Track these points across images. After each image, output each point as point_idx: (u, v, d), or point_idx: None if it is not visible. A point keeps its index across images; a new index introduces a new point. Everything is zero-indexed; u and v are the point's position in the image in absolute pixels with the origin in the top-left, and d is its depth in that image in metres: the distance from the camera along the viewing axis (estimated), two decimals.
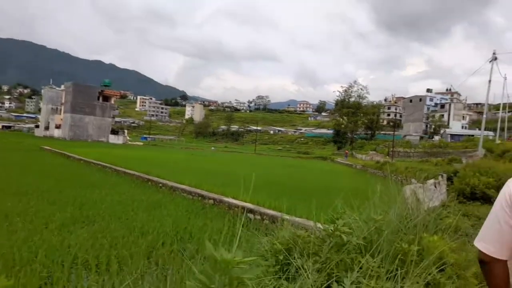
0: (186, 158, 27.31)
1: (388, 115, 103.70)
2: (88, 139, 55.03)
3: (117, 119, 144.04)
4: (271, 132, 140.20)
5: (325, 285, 2.01)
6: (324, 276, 2.09)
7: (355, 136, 72.60)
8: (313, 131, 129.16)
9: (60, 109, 58.60)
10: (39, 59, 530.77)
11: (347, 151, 57.28)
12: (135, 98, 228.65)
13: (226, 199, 10.13)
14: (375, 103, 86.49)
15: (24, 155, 20.94)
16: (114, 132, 60.29)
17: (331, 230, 2.37)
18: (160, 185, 12.65)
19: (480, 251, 1.42)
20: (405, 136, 75.23)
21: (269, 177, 16.58)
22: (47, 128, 61.63)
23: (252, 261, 1.27)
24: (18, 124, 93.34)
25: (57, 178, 12.79)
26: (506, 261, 1.40)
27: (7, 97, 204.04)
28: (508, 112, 61.65)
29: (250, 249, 3.33)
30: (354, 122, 67.13)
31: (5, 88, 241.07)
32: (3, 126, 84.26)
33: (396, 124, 76.75)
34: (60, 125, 57.04)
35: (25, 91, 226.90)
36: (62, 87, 61.75)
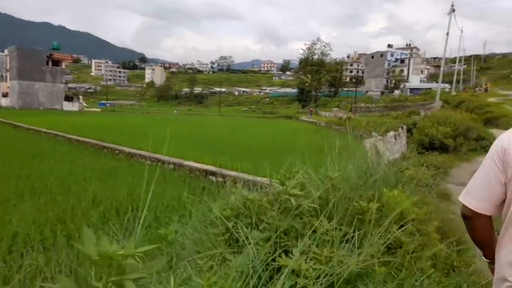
0: (146, 123, 26.28)
1: (351, 71, 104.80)
2: (40, 107, 51.58)
3: (71, 85, 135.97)
4: (236, 93, 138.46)
5: (271, 257, 1.73)
6: (270, 246, 1.81)
7: (319, 94, 73.00)
8: (278, 90, 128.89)
9: (6, 76, 54.07)
10: None
11: (311, 109, 57.64)
12: (89, 62, 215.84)
13: (186, 162, 9.72)
14: (338, 60, 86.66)
15: None
16: (68, 98, 56.76)
17: (281, 192, 2.07)
18: (117, 151, 11.98)
19: (464, 205, 1.39)
20: (367, 92, 76.76)
21: (232, 139, 16.26)
22: None
23: (150, 251, 0.93)
24: None
25: (0, 149, 11.76)
26: (490, 216, 1.37)
27: None
28: (464, 64, 64.01)
29: (202, 216, 3.04)
30: (318, 80, 67.12)
31: None
32: None
33: (358, 81, 77.88)
34: (7, 93, 52.87)
35: None
36: (6, 51, 56.61)
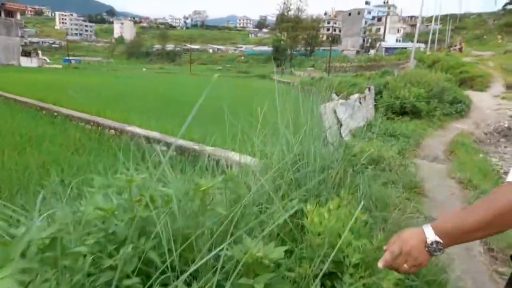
0: (106, 82, 24.39)
1: (328, 30, 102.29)
2: None
3: (34, 39, 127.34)
4: (210, 51, 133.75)
5: None
6: None
7: (294, 52, 71.10)
8: (254, 48, 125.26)
9: None
10: None
11: (283, 68, 56.07)
12: (53, 14, 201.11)
13: (129, 128, 8.48)
14: (314, 17, 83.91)
15: None
16: (26, 54, 52.47)
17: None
18: (55, 113, 10.57)
19: None
20: (342, 51, 75.37)
21: (192, 100, 14.96)
22: None
23: None
24: None
25: None
26: None
27: None
28: (440, 24, 63.26)
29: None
30: (294, 37, 65.03)
31: None
32: None
33: (334, 39, 76.15)
34: None
35: None
36: None
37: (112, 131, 8.74)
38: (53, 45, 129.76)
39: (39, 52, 60.47)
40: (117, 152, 6.34)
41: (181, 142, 7.33)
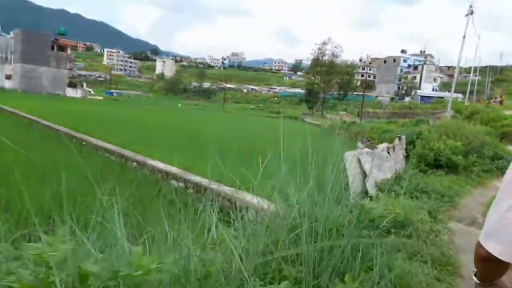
0: (139, 115, 25.19)
1: (362, 75, 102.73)
2: (42, 91, 50.82)
3: (82, 72, 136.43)
4: (245, 90, 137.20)
5: None
6: None
7: (327, 96, 71.36)
8: (287, 90, 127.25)
9: (11, 59, 53.43)
10: None
11: (313, 110, 56.13)
12: (102, 51, 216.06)
13: (150, 162, 8.44)
14: (349, 63, 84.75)
15: None
16: (72, 85, 56.00)
17: None
18: (84, 143, 10.80)
19: (487, 252, 1.06)
20: (376, 97, 74.90)
21: (219, 136, 14.98)
22: None
23: None
24: None
25: None
26: None
27: None
28: (479, 75, 61.87)
29: None
30: (327, 81, 65.52)
31: None
32: None
33: (368, 85, 76.13)
34: (11, 75, 52.24)
35: None
36: (12, 34, 55.99)
37: (135, 164, 8.73)
38: (99, 79, 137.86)
39: (84, 84, 64.38)
40: (144, 184, 6.10)
41: (198, 179, 7.13)
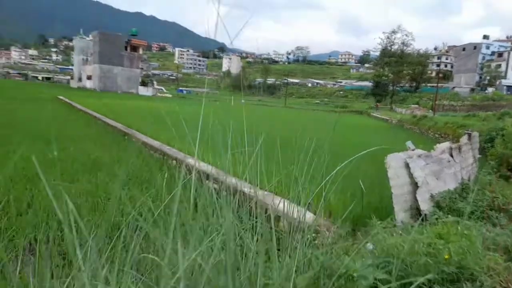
0: (199, 112, 25.50)
1: (438, 65, 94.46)
2: (118, 90, 54.66)
3: (155, 71, 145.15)
4: (309, 85, 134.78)
5: None
6: None
7: (397, 88, 66.70)
8: (354, 83, 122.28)
9: (91, 60, 58.27)
10: (84, 12, 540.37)
11: (377, 104, 52.72)
12: (173, 50, 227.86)
13: (190, 160, 8.06)
14: (422, 51, 78.14)
15: (29, 105, 20.06)
16: (144, 83, 59.46)
17: None
18: (134, 140, 10.90)
19: None
20: (453, 88, 68.29)
21: (273, 133, 14.31)
22: (80, 79, 62.07)
23: None
24: (57, 75, 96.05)
25: (23, 129, 11.33)
26: None
27: (54, 50, 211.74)
28: None
29: None
30: (397, 72, 61.08)
31: (51, 41, 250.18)
32: (43, 78, 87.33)
33: (444, 75, 69.75)
34: (91, 76, 57.00)
35: (71, 44, 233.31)
36: (90, 36, 61.01)
37: (174, 162, 8.46)
38: (171, 77, 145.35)
39: (155, 82, 68.04)
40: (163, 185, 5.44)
41: (233, 181, 6.54)
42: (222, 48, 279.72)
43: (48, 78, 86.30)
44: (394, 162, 3.02)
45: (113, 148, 9.86)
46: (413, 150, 3.25)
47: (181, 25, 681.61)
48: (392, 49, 61.73)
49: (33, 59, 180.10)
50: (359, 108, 61.19)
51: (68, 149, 8.75)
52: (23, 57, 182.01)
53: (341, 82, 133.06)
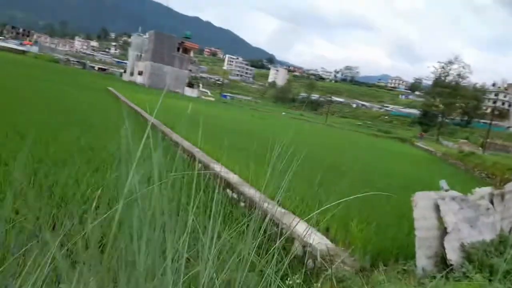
0: (237, 118, 25.66)
1: (494, 102, 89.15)
2: (164, 88, 56.60)
3: (204, 74, 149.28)
4: (354, 105, 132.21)
5: None
6: None
7: (446, 120, 63.48)
8: (401, 110, 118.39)
9: (144, 57, 60.86)
10: (145, 11, 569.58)
11: (422, 133, 50.28)
12: (224, 56, 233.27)
13: (213, 165, 7.97)
14: (478, 86, 73.95)
15: (78, 93, 21.09)
16: (190, 85, 61.11)
17: None
18: (165, 138, 11.01)
19: None
20: (508, 127, 64.00)
21: (309, 149, 13.95)
22: (132, 74, 64.94)
23: None
24: (112, 68, 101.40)
25: (66, 114, 11.77)
26: None
27: (113, 44, 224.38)
28: None
29: None
30: (448, 104, 58.12)
31: (112, 35, 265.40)
32: (99, 68, 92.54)
33: (500, 113, 65.67)
34: (142, 71, 59.45)
35: (129, 39, 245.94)
36: (147, 34, 63.80)
37: (200, 165, 8.37)
38: (217, 82, 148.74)
39: (200, 85, 69.85)
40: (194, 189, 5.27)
41: (256, 196, 6.33)
42: (271, 59, 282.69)
43: (103, 69, 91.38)
44: (422, 202, 2.66)
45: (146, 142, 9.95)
46: (446, 190, 2.87)
47: (234, 33, 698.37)
48: (446, 80, 58.96)
49: (93, 50, 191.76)
50: (403, 135, 58.88)
51: (101, 139, 8.94)
52: (84, 47, 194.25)
53: (387, 107, 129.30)
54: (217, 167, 7.71)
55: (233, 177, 7.06)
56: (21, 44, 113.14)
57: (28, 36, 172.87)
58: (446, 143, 44.66)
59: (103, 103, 17.68)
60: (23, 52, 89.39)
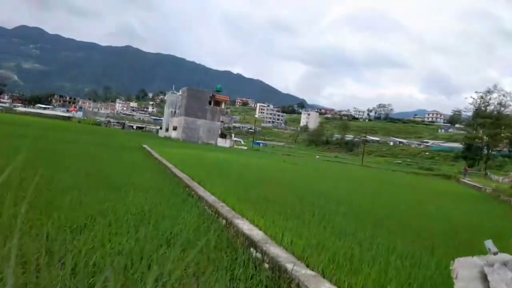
0: (268, 166, 25.35)
1: None
2: (198, 141, 58.01)
3: (237, 124, 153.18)
4: (391, 143, 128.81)
5: None
6: None
7: (493, 152, 59.73)
8: (441, 144, 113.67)
9: (178, 112, 63.52)
10: (180, 70, 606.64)
11: (466, 168, 47.15)
12: (255, 105, 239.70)
13: (238, 221, 7.53)
14: None
15: (113, 152, 21.75)
16: (222, 135, 62.46)
17: None
18: (192, 192, 10.79)
19: None
20: None
21: (341, 195, 13.25)
22: (167, 129, 67.58)
23: None
24: (149, 125, 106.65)
25: (87, 173, 11.91)
26: None
27: (151, 103, 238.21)
28: None
29: None
30: (493, 135, 54.97)
31: (150, 95, 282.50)
32: (137, 127, 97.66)
33: None
34: (176, 127, 61.73)
35: (165, 97, 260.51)
36: (180, 92, 67.03)
37: (224, 221, 7.96)
38: (250, 130, 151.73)
39: (233, 134, 71.26)
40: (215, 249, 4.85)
41: (280, 252, 5.80)
42: (302, 104, 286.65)
43: (141, 128, 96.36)
44: (465, 271, 2.12)
45: (170, 200, 9.74)
46: (494, 253, 2.31)
47: (264, 82, 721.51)
48: (487, 110, 56.33)
49: (133, 110, 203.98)
50: (447, 171, 55.71)
51: (126, 199, 8.85)
52: (124, 108, 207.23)
53: (427, 142, 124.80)
54: (241, 223, 7.30)
55: (257, 234, 6.59)
56: (67, 111, 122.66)
57: (74, 103, 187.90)
58: (495, 178, 41.54)
59: (135, 162, 18.01)
60: (69, 118, 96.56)
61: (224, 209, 8.41)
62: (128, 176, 12.38)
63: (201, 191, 10.54)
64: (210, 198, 9.72)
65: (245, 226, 7.13)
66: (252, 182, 14.09)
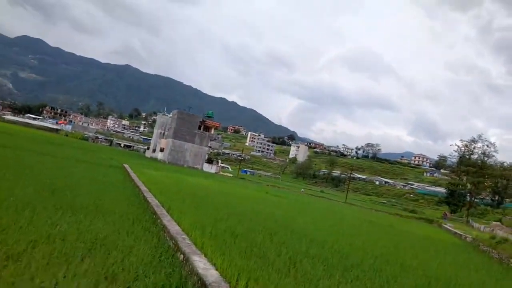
0: (249, 196, 24.91)
1: None
2: (184, 164, 57.33)
3: (226, 151, 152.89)
4: (377, 182, 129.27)
5: None
6: None
7: (476, 200, 60.19)
8: (427, 188, 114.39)
9: (167, 134, 63.14)
10: (176, 93, 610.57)
11: (446, 213, 47.25)
12: (246, 133, 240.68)
13: (195, 257, 7.11)
14: (506, 164, 71.20)
15: (93, 169, 21.18)
16: (209, 161, 61.97)
17: None
18: (158, 221, 10.32)
19: None
20: None
21: (316, 234, 12.87)
22: (154, 150, 66.90)
23: None
24: (137, 145, 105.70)
25: (52, 189, 11.38)
26: None
27: (143, 122, 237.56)
28: None
29: None
30: (476, 184, 55.60)
31: (143, 115, 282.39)
32: (125, 145, 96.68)
33: None
34: (163, 148, 61.18)
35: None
36: (171, 114, 66.99)
37: (182, 256, 7.50)
38: (239, 157, 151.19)
39: (219, 161, 70.84)
40: None
41: None
42: (292, 136, 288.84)
43: (128, 146, 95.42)
44: None
45: (131, 228, 9.22)
46: None
47: (257, 111, 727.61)
48: (471, 158, 57.29)
49: (124, 128, 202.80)
50: (430, 215, 55.61)
51: (82, 223, 8.35)
52: (116, 126, 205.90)
53: (412, 184, 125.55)
54: (197, 260, 6.86)
55: (211, 275, 6.16)
56: (56, 123, 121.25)
57: (65, 115, 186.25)
58: (477, 226, 41.54)
59: (109, 181, 17.44)
60: (57, 130, 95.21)
61: (184, 242, 7.97)
62: (95, 197, 11.85)
63: (167, 220, 10.09)
64: (174, 228, 9.27)
65: (201, 264, 6.70)
66: (225, 213, 13.65)
